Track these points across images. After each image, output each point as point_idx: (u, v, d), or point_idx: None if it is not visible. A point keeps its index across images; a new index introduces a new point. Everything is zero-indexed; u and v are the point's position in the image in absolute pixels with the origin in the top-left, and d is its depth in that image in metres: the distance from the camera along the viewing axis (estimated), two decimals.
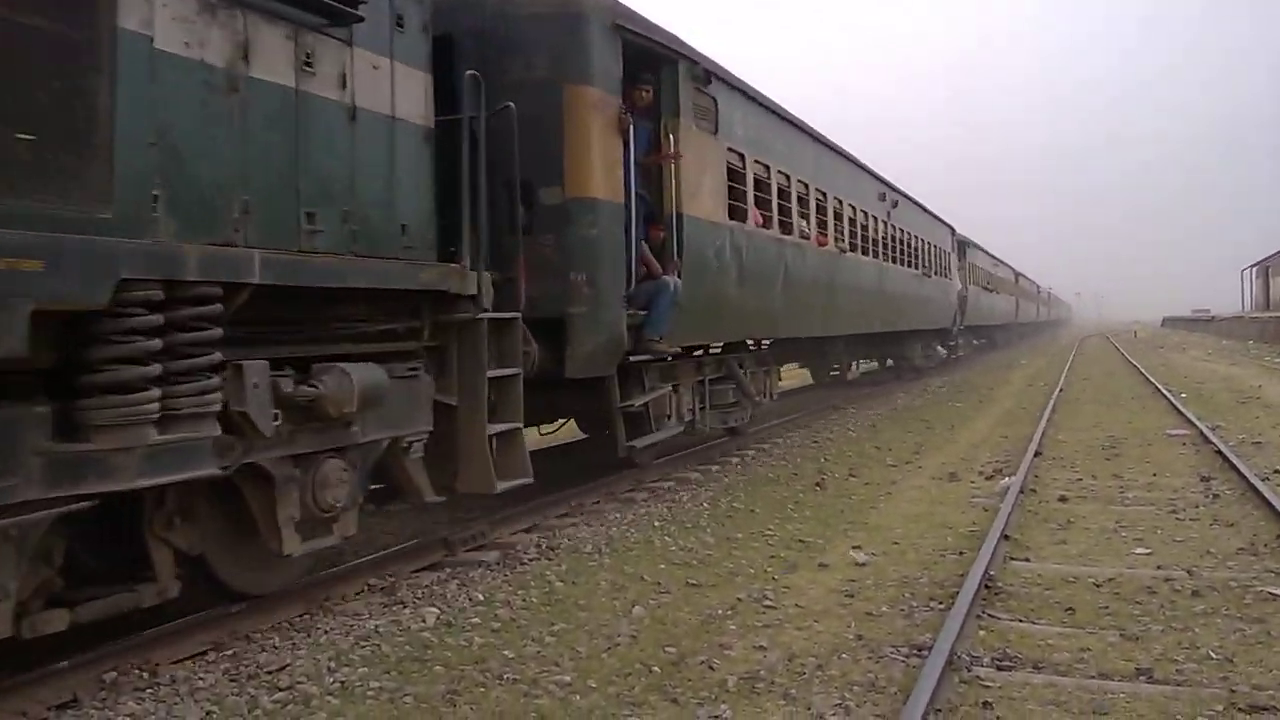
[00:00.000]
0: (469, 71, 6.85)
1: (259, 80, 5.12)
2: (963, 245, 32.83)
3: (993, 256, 43.07)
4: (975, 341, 40.39)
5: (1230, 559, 7.06)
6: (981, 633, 5.58)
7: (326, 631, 5.73)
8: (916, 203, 24.54)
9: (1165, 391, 20.03)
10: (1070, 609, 5.99)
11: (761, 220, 12.47)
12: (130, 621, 5.31)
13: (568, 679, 4.98)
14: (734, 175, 11.65)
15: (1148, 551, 7.39)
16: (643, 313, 9.30)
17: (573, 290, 8.31)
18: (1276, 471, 10.31)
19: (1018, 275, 54.57)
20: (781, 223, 13.26)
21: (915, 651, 5.22)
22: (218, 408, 4.83)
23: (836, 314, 16.31)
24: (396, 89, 6.11)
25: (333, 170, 5.66)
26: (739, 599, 6.37)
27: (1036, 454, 12.10)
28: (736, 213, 11.60)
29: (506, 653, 5.38)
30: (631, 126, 9.11)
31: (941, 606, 5.98)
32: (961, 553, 7.39)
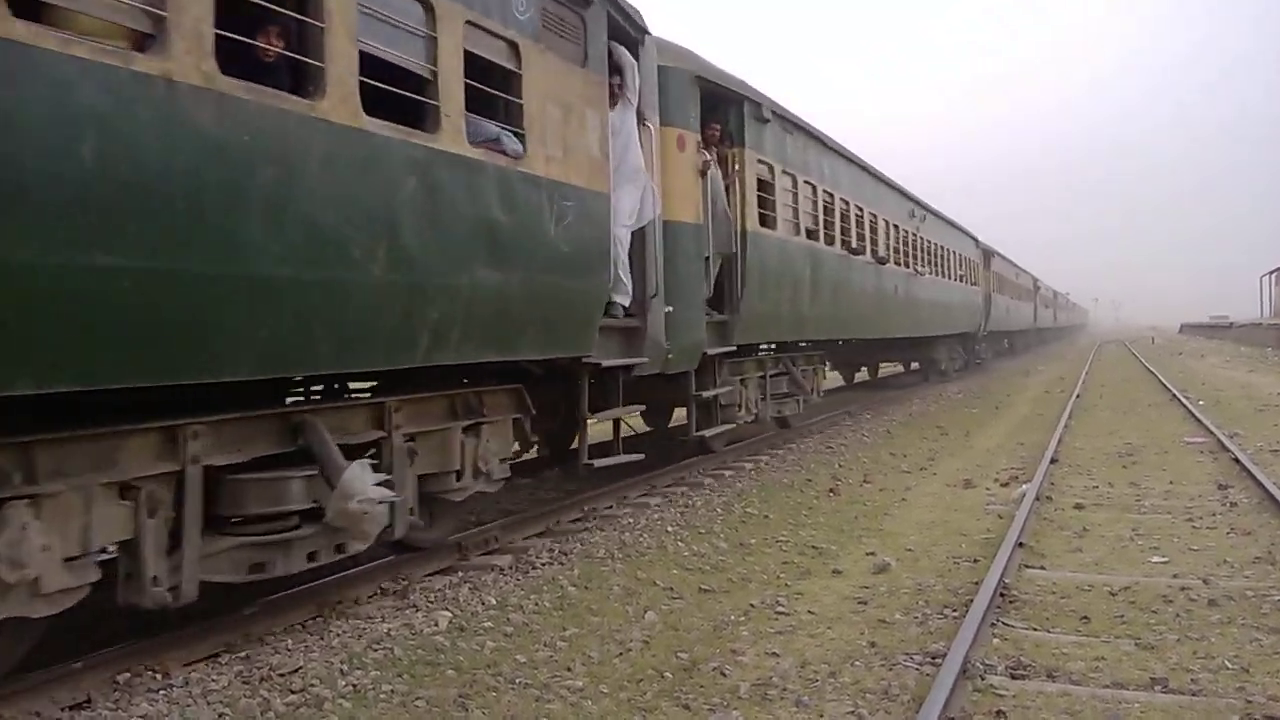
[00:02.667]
0: None
1: None
2: (777, 124, 13.07)
3: (915, 202, 22.45)
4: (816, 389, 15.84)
5: (1247, 568, 7.01)
6: (996, 640, 5.55)
7: (339, 634, 5.74)
8: None
9: (1183, 399, 19.89)
10: (1085, 617, 5.96)
11: None
12: (143, 622, 5.33)
13: (580, 684, 4.99)
14: None
15: (1164, 560, 7.34)
16: None
17: None
18: None
19: (989, 254, 34.47)
20: None
21: (929, 659, 5.20)
22: None
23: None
24: None
25: None
26: (752, 605, 6.36)
27: (1053, 461, 12.03)
28: None
29: (519, 657, 5.38)
30: None
31: (955, 614, 5.95)
32: (976, 560, 7.35)
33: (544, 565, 7.37)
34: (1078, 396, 21.89)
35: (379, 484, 5.47)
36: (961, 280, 28.46)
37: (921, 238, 22.50)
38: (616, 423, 9.41)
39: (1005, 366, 37.61)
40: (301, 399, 6.54)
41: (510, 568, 7.29)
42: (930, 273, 23.41)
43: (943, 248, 25.40)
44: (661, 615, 6.17)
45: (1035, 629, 5.78)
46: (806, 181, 14.01)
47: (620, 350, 8.62)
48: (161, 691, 4.84)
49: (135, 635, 5.32)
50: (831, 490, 10.62)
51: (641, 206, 8.64)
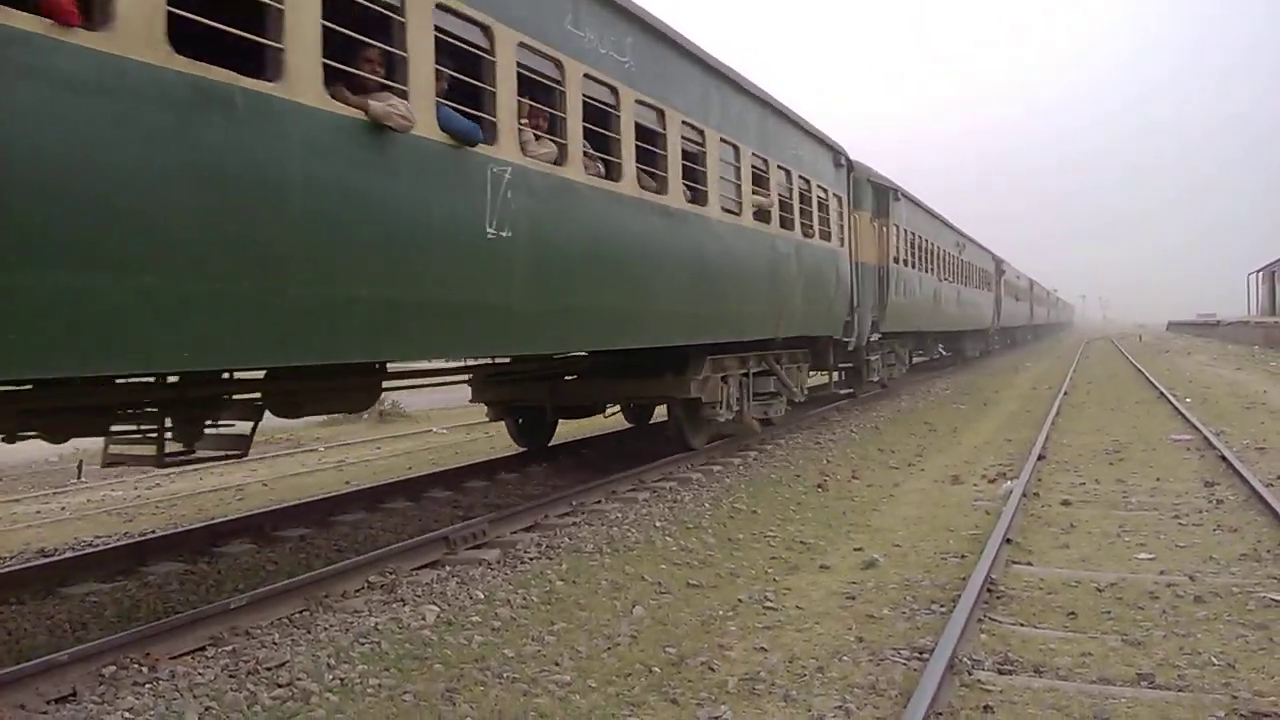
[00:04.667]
0: None
1: None
2: None
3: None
4: None
5: (1233, 565, 7.03)
6: (983, 636, 5.56)
7: (326, 628, 5.73)
8: None
9: (1170, 396, 19.96)
10: (1072, 613, 5.97)
11: None
12: (130, 615, 5.31)
13: (567, 678, 4.98)
14: None
15: (1150, 556, 7.36)
16: None
17: None
18: None
19: (881, 191, 19.73)
20: None
21: (916, 654, 5.21)
22: None
23: None
24: None
25: None
26: (740, 600, 6.36)
27: (1040, 458, 12.07)
28: None
29: (506, 651, 5.37)
30: None
31: (943, 609, 5.97)
32: (963, 556, 7.37)
33: (532, 560, 7.36)
34: (1065, 394, 21.95)
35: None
36: (782, 224, 13.11)
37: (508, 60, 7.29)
38: None
39: (990, 365, 37.68)
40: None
41: (498, 562, 7.28)
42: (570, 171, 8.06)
43: (669, 116, 9.93)
44: (649, 610, 6.16)
45: (1022, 625, 5.79)
46: None
47: None
48: (147, 685, 4.82)
49: (121, 628, 5.28)
50: (820, 486, 10.63)
51: None
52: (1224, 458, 11.50)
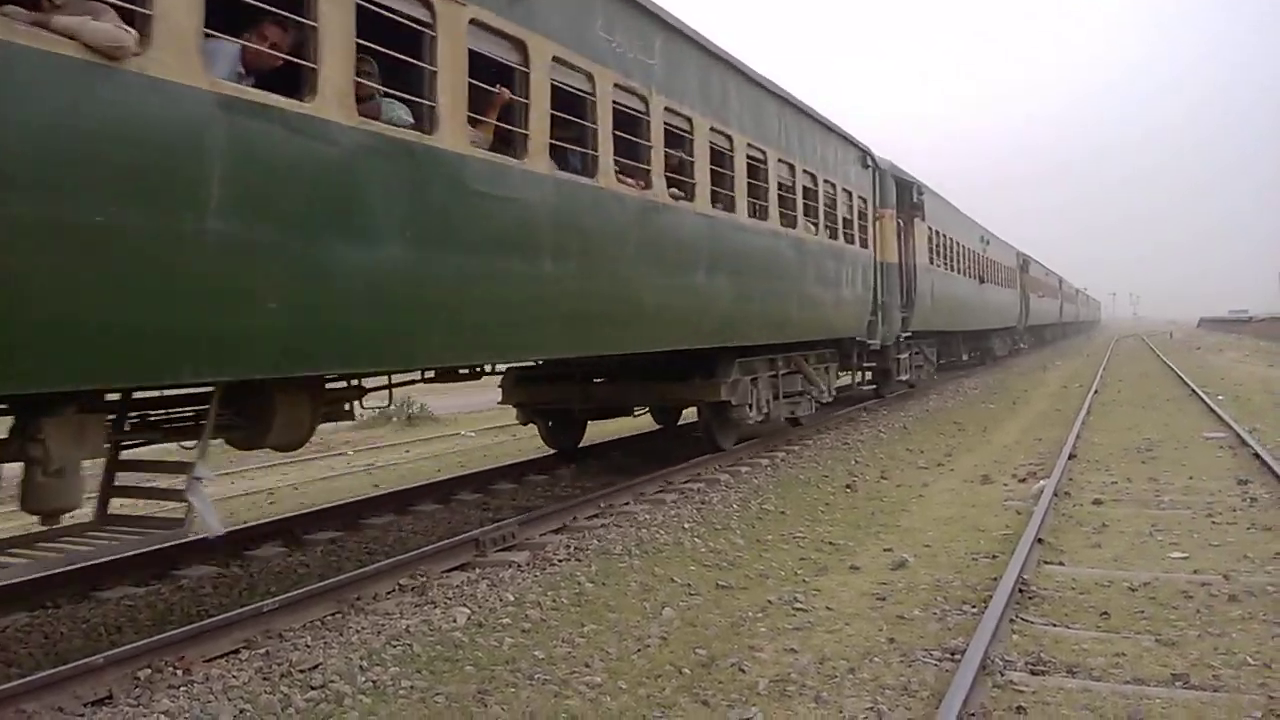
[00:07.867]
0: None
1: None
2: None
3: None
4: None
5: (1268, 563, 6.95)
6: (1015, 636, 5.52)
7: (358, 630, 5.77)
8: None
9: (1202, 394, 19.75)
10: (1105, 613, 5.92)
11: None
12: (164, 619, 5.37)
13: (598, 680, 4.99)
14: None
15: (1184, 555, 7.29)
16: None
17: None
18: None
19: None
20: None
21: (948, 655, 5.19)
22: None
23: None
24: None
25: None
26: (769, 601, 6.36)
27: (1071, 456, 11.97)
28: None
29: (537, 653, 5.39)
30: None
31: (974, 610, 5.93)
32: (994, 556, 7.32)
33: (561, 562, 7.38)
34: (1095, 392, 21.77)
35: None
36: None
37: None
38: None
39: (1019, 363, 37.41)
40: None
41: (528, 564, 7.30)
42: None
43: None
44: (679, 611, 6.17)
45: (1055, 625, 5.75)
46: None
47: None
48: (183, 688, 4.87)
49: (156, 631, 5.34)
50: (848, 486, 10.60)
51: None
52: (1257, 455, 11.36)
